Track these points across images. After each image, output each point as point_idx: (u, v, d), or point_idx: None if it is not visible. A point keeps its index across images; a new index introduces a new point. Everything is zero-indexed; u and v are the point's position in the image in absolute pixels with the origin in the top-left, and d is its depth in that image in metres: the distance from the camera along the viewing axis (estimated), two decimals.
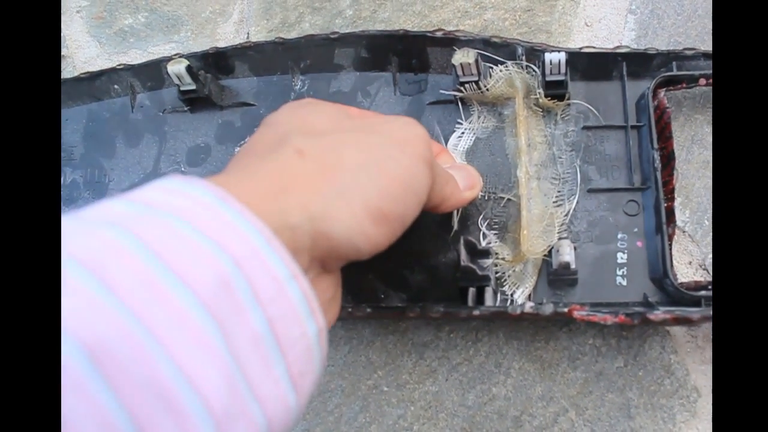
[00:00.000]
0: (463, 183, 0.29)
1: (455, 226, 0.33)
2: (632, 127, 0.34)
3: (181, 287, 0.16)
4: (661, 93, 0.34)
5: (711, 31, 0.38)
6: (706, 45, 0.37)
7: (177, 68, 0.36)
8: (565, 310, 0.29)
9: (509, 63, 0.34)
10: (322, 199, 0.21)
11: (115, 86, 0.39)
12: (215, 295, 0.16)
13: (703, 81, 0.33)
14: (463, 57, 0.33)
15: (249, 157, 0.23)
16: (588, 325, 0.33)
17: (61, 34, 0.47)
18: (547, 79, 0.33)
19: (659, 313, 0.28)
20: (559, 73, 0.33)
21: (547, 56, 0.33)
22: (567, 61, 0.33)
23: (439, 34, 0.35)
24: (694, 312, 0.28)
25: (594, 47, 0.35)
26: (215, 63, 0.38)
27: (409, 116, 0.36)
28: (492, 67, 0.34)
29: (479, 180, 0.31)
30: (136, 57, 0.46)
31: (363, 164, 0.22)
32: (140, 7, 0.47)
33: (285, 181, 0.21)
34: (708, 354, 0.32)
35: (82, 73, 0.40)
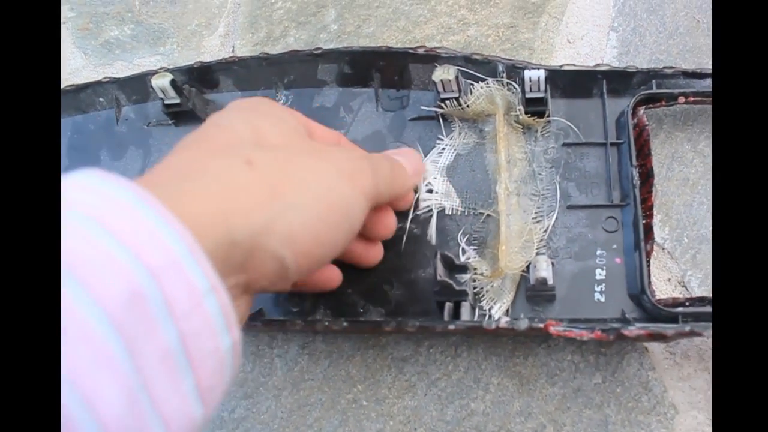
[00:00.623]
0: (410, 168, 0.31)
1: (432, 240, 0.35)
2: (612, 144, 0.35)
3: (89, 302, 0.16)
4: (641, 111, 0.35)
5: (692, 49, 0.39)
6: (688, 63, 0.39)
7: (161, 82, 0.37)
8: (541, 325, 0.30)
9: (490, 80, 0.35)
10: (265, 214, 0.21)
11: (101, 99, 0.40)
12: (125, 310, 0.16)
13: (682, 99, 0.35)
14: (443, 74, 0.34)
15: (193, 157, 0.22)
16: (566, 341, 0.34)
17: None
18: (527, 96, 0.34)
19: (634, 329, 0.29)
20: (539, 90, 0.34)
21: (527, 74, 0.34)
22: (547, 79, 0.34)
23: (421, 50, 0.36)
24: (668, 328, 0.29)
25: (575, 65, 0.36)
26: (200, 77, 0.39)
27: (390, 132, 0.37)
28: (473, 84, 0.35)
29: (423, 162, 0.35)
30: (122, 69, 0.47)
31: (309, 187, 0.23)
32: (126, 19, 0.48)
33: (232, 192, 0.21)
34: (685, 371, 0.33)
35: (67, 86, 0.41)
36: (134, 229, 0.17)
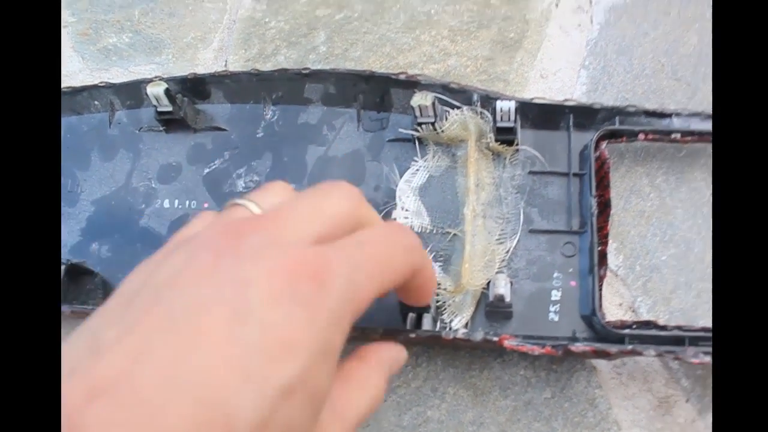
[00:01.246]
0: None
1: None
2: (574, 174, 0.38)
3: None
4: (603, 145, 0.38)
5: (655, 90, 0.42)
6: (651, 102, 0.42)
7: (156, 90, 0.40)
8: (496, 339, 0.33)
9: (465, 108, 0.38)
10: None
11: (96, 102, 0.43)
12: None
13: (642, 136, 0.38)
14: (420, 99, 0.37)
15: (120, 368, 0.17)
16: (520, 356, 0.37)
17: None
18: (498, 125, 0.38)
19: (580, 345, 0.32)
20: (509, 120, 0.37)
21: (499, 104, 0.37)
22: (517, 110, 0.37)
23: (402, 76, 0.39)
24: (612, 347, 0.32)
25: (544, 98, 0.39)
26: (192, 88, 0.42)
27: (369, 151, 0.40)
28: (449, 111, 0.39)
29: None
30: (118, 74, 0.50)
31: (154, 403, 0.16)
32: (125, 28, 0.51)
33: None
34: (630, 391, 0.36)
35: (64, 88, 0.44)
36: None
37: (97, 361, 0.17)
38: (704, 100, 0.42)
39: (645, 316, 0.37)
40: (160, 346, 0.17)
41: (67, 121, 0.44)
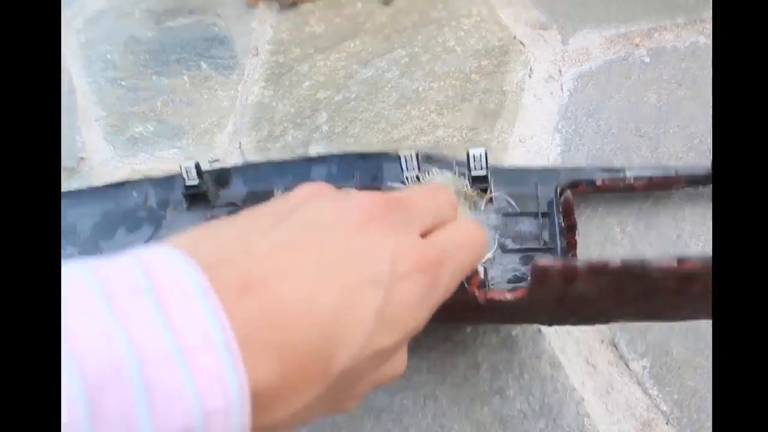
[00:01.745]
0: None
1: None
2: (542, 214, 0.44)
3: (149, 426, 0.17)
4: (567, 191, 0.45)
5: (622, 147, 0.49)
6: (618, 158, 0.49)
7: (188, 164, 0.47)
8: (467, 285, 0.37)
9: (445, 170, 0.45)
10: None
11: (134, 193, 0.51)
12: None
13: (600, 182, 0.44)
14: (406, 151, 0.44)
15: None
16: (516, 392, 0.43)
17: (82, 140, 0.59)
18: (473, 174, 0.44)
19: (546, 260, 0.31)
20: (482, 168, 0.44)
21: (471, 151, 0.44)
22: (487, 156, 0.43)
23: (392, 153, 0.46)
24: (579, 262, 0.32)
25: (515, 165, 0.46)
26: (217, 177, 0.49)
27: None
28: (430, 171, 0.46)
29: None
30: (144, 160, 0.58)
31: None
32: (149, 118, 0.59)
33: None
34: (615, 417, 0.42)
35: (109, 183, 0.51)
36: (207, 366, 0.18)
37: (251, 261, 0.21)
38: (666, 153, 0.49)
39: (624, 350, 0.43)
40: (305, 272, 0.21)
41: (104, 207, 0.52)
